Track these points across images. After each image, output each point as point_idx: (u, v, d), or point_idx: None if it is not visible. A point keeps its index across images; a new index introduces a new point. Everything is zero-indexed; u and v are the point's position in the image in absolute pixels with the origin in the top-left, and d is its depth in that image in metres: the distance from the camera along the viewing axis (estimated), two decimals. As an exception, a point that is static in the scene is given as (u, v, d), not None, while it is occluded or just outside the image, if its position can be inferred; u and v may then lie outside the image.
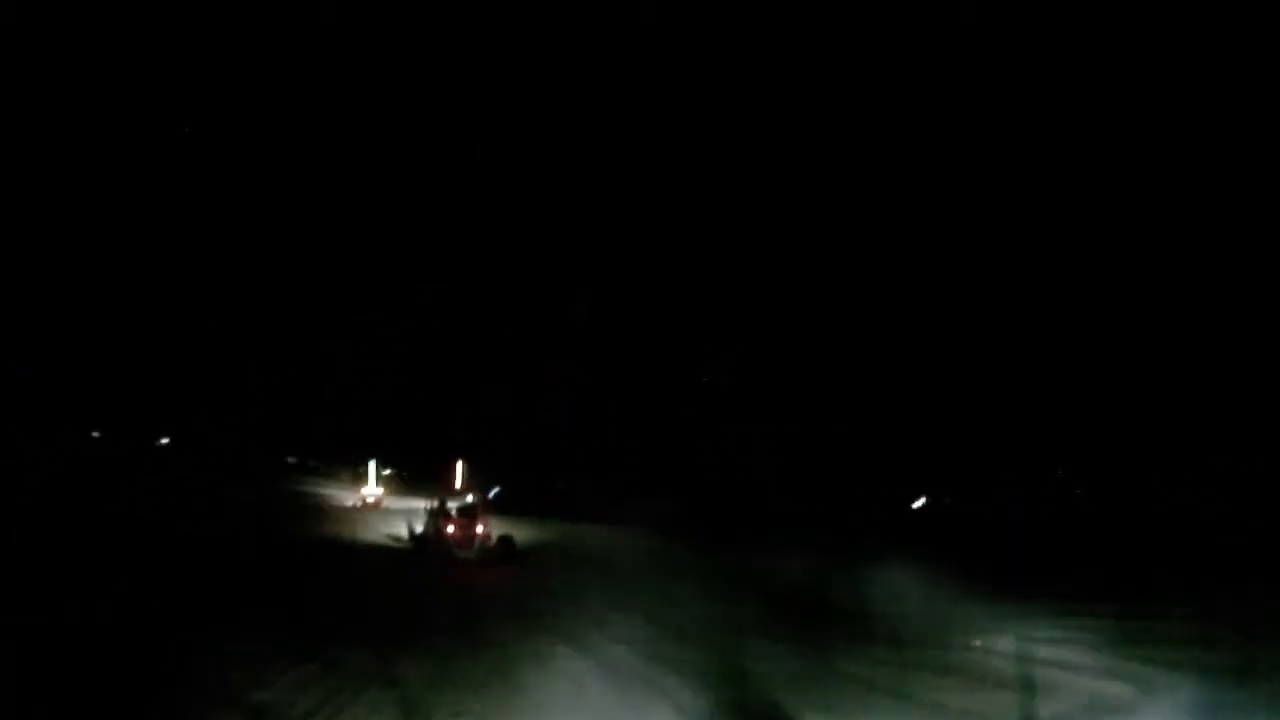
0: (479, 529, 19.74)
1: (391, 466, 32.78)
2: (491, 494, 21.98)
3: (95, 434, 33.81)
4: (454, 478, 23.82)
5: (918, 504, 28.72)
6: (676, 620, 11.32)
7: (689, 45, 32.71)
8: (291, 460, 41.13)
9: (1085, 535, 20.55)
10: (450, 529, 19.70)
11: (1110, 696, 7.85)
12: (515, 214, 38.28)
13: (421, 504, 21.44)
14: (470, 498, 21.58)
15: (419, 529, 20.22)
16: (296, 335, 39.30)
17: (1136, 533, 18.81)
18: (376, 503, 27.49)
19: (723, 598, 13.35)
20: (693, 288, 35.35)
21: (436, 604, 13.83)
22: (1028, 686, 7.45)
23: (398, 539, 20.83)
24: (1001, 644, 9.59)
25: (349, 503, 27.31)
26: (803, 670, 9.00)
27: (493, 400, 33.93)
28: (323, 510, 25.97)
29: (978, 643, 10.04)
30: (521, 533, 20.68)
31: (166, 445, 38.74)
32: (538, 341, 32.49)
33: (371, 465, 24.50)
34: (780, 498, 25.82)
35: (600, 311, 35.41)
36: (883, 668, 9.00)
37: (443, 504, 20.59)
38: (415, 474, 30.79)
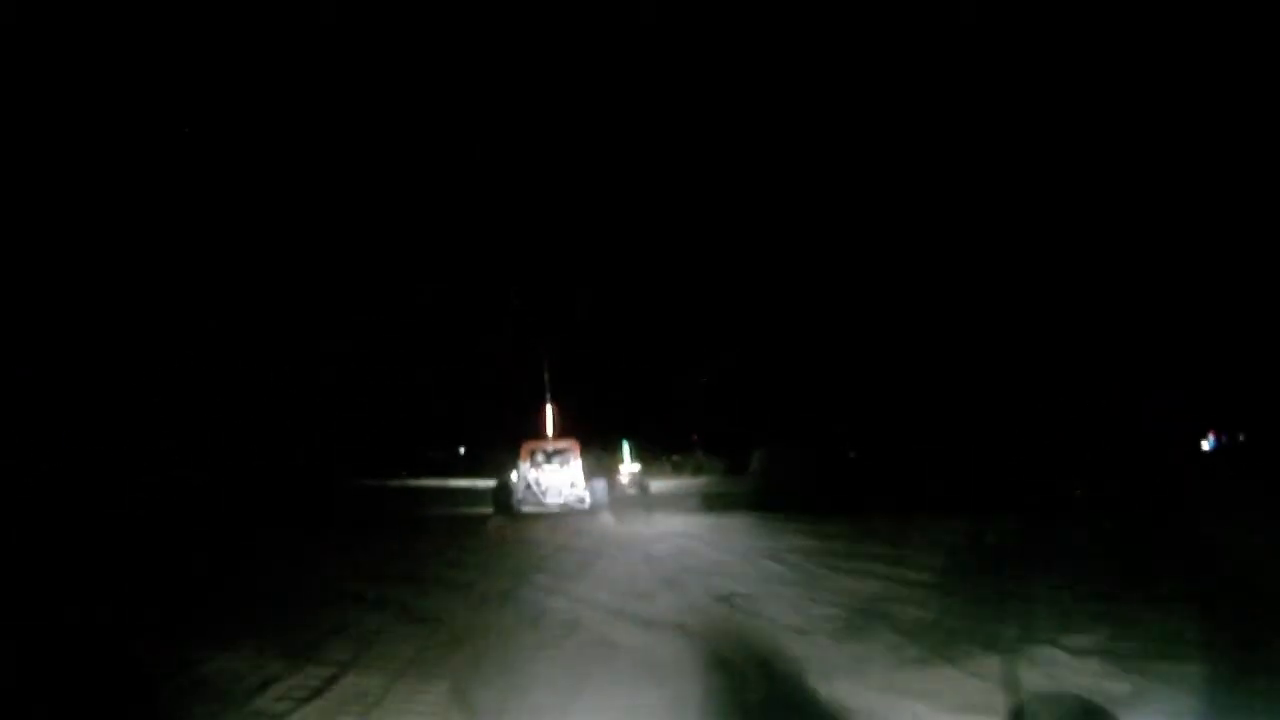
0: (569, 473, 16.55)
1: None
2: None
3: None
4: (544, 423, 19.79)
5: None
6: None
7: (689, 45, 32.79)
8: None
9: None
10: (532, 474, 16.53)
11: None
12: (515, 214, 38.33)
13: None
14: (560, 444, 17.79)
15: (510, 479, 16.93)
16: (296, 335, 39.31)
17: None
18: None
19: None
20: (692, 288, 35.42)
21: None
22: None
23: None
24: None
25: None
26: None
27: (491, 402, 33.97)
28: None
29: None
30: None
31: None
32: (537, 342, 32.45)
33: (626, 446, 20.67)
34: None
35: (600, 311, 35.44)
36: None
37: (531, 452, 17.27)
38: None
